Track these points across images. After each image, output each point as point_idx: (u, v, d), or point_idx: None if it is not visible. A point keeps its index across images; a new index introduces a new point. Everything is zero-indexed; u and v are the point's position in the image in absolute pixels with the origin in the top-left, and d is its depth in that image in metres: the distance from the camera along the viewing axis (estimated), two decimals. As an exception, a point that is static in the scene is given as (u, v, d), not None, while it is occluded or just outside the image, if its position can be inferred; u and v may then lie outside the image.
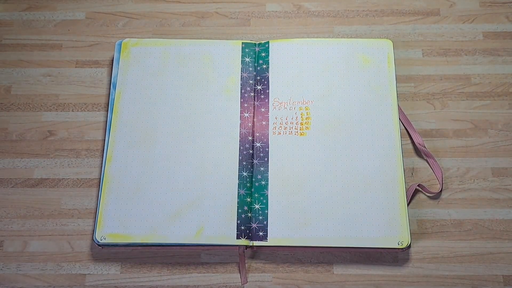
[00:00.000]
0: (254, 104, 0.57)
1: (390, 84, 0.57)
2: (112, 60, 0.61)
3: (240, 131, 0.56)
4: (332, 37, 0.62)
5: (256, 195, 0.53)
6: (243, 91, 0.57)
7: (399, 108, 0.57)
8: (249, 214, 0.52)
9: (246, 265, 0.52)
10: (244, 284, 0.51)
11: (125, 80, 0.58)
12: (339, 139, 0.55)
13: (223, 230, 0.52)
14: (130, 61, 0.59)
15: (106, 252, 0.53)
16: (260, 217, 0.52)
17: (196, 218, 0.52)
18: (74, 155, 0.57)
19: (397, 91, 0.57)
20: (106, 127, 0.57)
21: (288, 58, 0.59)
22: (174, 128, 0.56)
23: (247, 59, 0.59)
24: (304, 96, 0.57)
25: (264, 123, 0.56)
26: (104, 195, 0.53)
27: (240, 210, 0.52)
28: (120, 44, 0.60)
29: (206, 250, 0.53)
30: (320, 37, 0.62)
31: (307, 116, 0.56)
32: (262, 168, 0.54)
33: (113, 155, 0.55)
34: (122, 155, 0.55)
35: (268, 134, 0.55)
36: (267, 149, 0.55)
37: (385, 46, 0.59)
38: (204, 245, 0.52)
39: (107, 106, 0.59)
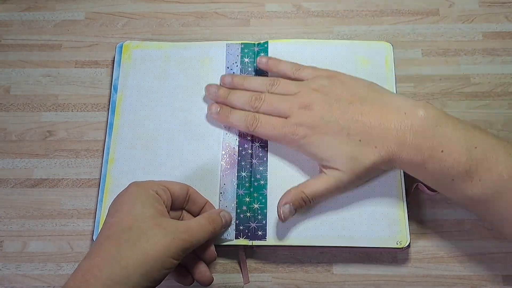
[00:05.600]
0: (253, 104, 0.57)
1: (389, 86, 0.57)
2: (112, 61, 0.61)
3: (239, 131, 0.56)
4: (332, 37, 0.62)
5: (255, 195, 0.53)
6: (242, 91, 0.57)
7: (399, 108, 0.57)
8: (248, 214, 0.52)
9: (247, 265, 0.52)
10: (246, 283, 0.51)
11: (127, 82, 0.58)
12: (339, 139, 0.55)
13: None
14: (131, 63, 0.59)
15: (105, 252, 0.53)
16: (259, 217, 0.52)
17: (196, 218, 0.52)
18: (74, 156, 0.57)
19: (396, 92, 0.57)
20: (106, 127, 0.57)
21: (287, 58, 0.59)
22: (174, 129, 0.56)
23: (246, 60, 0.59)
24: (303, 96, 0.57)
25: (263, 123, 0.56)
26: (107, 196, 0.53)
27: (239, 210, 0.52)
28: (121, 47, 0.60)
29: (205, 250, 0.53)
30: (319, 37, 0.62)
31: (306, 116, 0.56)
32: (261, 168, 0.54)
33: (115, 157, 0.55)
34: (124, 157, 0.55)
35: (267, 134, 0.55)
36: (266, 148, 0.55)
37: (384, 48, 0.59)
38: (204, 245, 0.52)
39: (107, 106, 0.59)
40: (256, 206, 0.53)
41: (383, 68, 0.58)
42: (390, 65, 0.58)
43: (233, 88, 0.55)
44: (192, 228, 0.43)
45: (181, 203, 0.48)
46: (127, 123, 0.56)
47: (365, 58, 0.59)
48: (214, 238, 0.47)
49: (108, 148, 0.55)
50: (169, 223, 0.42)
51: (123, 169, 0.54)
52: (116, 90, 0.58)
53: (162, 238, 0.40)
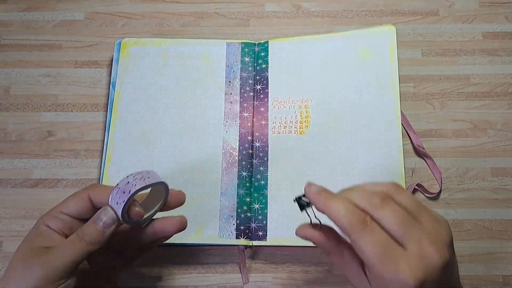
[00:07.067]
0: (253, 103, 0.57)
1: (392, 76, 0.56)
2: (111, 61, 0.61)
3: (239, 131, 0.56)
4: (332, 37, 0.62)
5: (255, 195, 0.53)
6: (242, 91, 0.57)
7: (399, 108, 0.57)
8: (249, 214, 0.52)
9: (246, 265, 0.52)
10: (245, 284, 0.51)
11: (124, 79, 0.58)
12: (339, 137, 0.55)
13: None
14: (130, 60, 0.59)
15: (105, 252, 0.53)
16: (260, 217, 0.52)
17: (196, 218, 0.52)
18: (74, 156, 0.57)
19: (399, 86, 0.57)
20: (105, 127, 0.57)
21: (287, 57, 0.59)
22: (173, 128, 0.56)
23: (246, 59, 0.59)
24: (303, 95, 0.57)
25: (263, 122, 0.56)
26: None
27: (239, 210, 0.52)
28: (119, 44, 0.60)
29: (205, 250, 0.53)
30: (319, 37, 0.62)
31: (307, 114, 0.56)
32: (261, 168, 0.54)
33: (112, 155, 0.55)
34: (121, 155, 0.55)
35: (267, 133, 0.55)
36: (266, 148, 0.55)
37: (387, 34, 0.58)
38: (204, 245, 0.52)
39: (106, 106, 0.59)
40: (256, 206, 0.53)
41: (387, 58, 0.57)
42: (394, 51, 0.57)
43: None
44: (54, 254, 0.39)
45: (88, 214, 0.41)
46: (124, 120, 0.56)
47: (367, 48, 0.58)
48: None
49: (106, 146, 0.55)
50: (31, 261, 0.39)
51: (120, 167, 0.54)
52: (114, 87, 0.58)
53: (26, 279, 0.38)
